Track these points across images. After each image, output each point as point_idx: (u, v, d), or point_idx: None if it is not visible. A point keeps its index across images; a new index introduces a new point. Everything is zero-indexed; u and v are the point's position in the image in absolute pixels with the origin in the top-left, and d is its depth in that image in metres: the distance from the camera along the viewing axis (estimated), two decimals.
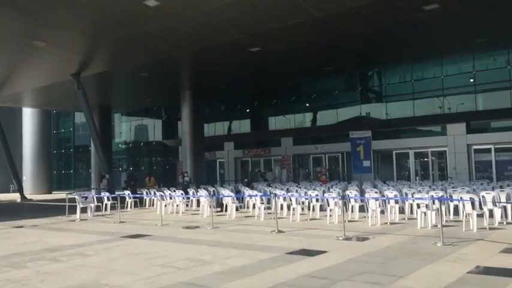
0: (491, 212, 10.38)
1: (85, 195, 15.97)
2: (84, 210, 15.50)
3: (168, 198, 16.15)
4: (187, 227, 11.87)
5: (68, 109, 36.28)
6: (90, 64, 19.28)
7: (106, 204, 16.66)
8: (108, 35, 15.44)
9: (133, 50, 17.20)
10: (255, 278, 6.05)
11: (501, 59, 21.11)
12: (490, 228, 9.71)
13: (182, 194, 16.14)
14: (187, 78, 23.80)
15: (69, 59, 18.34)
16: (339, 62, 20.63)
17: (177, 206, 15.56)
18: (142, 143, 37.18)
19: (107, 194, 17.12)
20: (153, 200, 17.96)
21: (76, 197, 15.66)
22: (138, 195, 18.45)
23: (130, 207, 17.81)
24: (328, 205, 12.01)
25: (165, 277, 6.22)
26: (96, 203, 16.07)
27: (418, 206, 10.75)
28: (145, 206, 18.53)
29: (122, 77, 23.03)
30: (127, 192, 18.19)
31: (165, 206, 15.97)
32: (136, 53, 17.69)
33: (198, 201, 15.86)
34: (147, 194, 18.55)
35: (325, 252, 7.80)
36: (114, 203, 16.47)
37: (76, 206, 15.26)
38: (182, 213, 15.42)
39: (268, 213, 13.14)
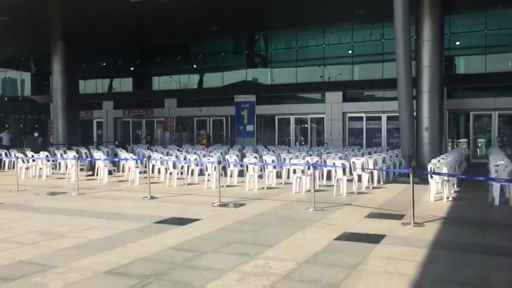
0: (360, 177, 10.91)
1: None
2: None
3: (31, 160, 14.41)
4: (49, 193, 10.61)
5: None
6: None
7: None
8: None
9: None
10: (112, 253, 5.39)
11: (377, 33, 22.28)
12: (358, 193, 10.16)
13: (48, 156, 14.53)
14: (59, 27, 21.26)
15: None
16: (226, 23, 19.99)
17: (40, 169, 13.94)
18: (6, 98, 33.03)
19: None
20: (14, 162, 15.93)
21: None
22: None
23: None
24: (207, 170, 11.62)
25: (2, 255, 5.24)
26: None
27: (294, 171, 10.86)
28: (4, 168, 16.41)
29: None
30: None
31: (27, 168, 14.27)
32: None
33: None
34: (6, 155, 16.38)
35: (197, 220, 7.38)
36: None
37: None
38: (47, 177, 13.87)
39: (145, 178, 12.33)
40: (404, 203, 8.30)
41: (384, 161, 12.63)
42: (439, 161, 10.53)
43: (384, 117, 21.82)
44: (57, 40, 21.88)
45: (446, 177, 9.14)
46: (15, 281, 4.38)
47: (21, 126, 32.97)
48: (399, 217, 7.47)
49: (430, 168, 9.67)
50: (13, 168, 16.09)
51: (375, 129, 22.38)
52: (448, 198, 9.26)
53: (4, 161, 16.47)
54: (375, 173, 11.64)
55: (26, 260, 5.07)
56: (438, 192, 9.45)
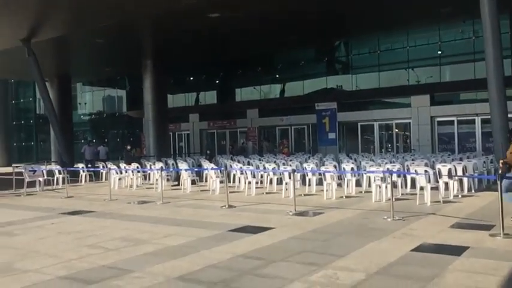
0: (447, 184, 10.21)
1: (33, 169, 15.12)
2: (34, 184, 14.74)
3: (124, 171, 15.50)
4: (136, 202, 11.31)
5: (26, 78, 34.51)
6: (41, 29, 18.03)
7: (57, 178, 15.88)
8: None
9: (87, 13, 16.08)
10: (185, 259, 5.58)
11: (468, 31, 20.85)
12: (445, 202, 9.52)
13: (138, 167, 15.52)
14: (147, 46, 22.73)
15: (18, 22, 17.06)
16: (304, 31, 19.96)
17: (131, 179, 14.93)
18: (105, 115, 35.95)
19: (59, 167, 16.31)
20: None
21: (23, 170, 14.81)
22: (92, 169, 17.69)
23: (85, 181, 17.08)
24: (284, 178, 11.63)
25: (88, 259, 5.69)
26: (46, 177, 15.27)
27: (375, 180, 10.47)
28: (101, 179, 17.81)
29: (77, 44, 21.78)
30: (81, 165, 17.42)
31: (119, 179, 15.35)
32: (90, 18, 16.57)
33: None
34: (103, 167, 17.79)
35: (270, 229, 7.40)
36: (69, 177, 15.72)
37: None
38: (137, 187, 14.83)
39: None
40: (496, 213, 7.59)
41: (476, 168, 11.73)
42: None
43: (478, 120, 20.28)
44: (147, 59, 23.37)
45: None
46: (96, 283, 4.73)
47: (118, 140, 35.59)
48: (488, 228, 6.87)
49: None
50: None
51: (468, 134, 20.88)
52: None
53: (102, 173, 17.85)
54: (465, 180, 10.84)
55: (108, 264, 5.45)
56: None
